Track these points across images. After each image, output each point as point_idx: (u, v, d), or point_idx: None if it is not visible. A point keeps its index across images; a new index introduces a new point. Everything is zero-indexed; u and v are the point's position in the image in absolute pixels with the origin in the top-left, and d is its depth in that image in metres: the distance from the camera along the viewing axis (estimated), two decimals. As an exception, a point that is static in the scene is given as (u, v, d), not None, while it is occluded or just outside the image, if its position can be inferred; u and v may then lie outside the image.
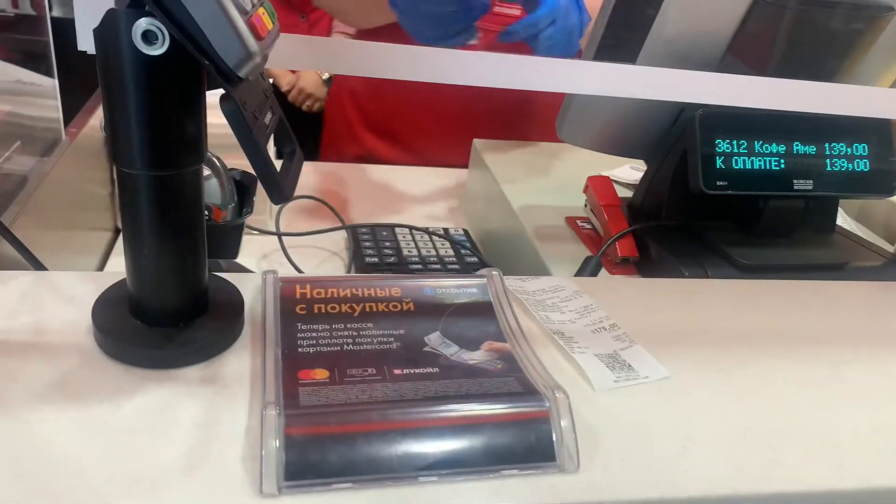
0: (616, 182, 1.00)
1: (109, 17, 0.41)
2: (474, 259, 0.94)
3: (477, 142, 1.11)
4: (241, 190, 0.69)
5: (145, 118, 0.43)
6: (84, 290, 0.54)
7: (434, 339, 0.53)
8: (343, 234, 0.97)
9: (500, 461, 0.44)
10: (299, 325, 0.52)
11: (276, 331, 0.51)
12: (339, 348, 0.51)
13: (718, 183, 0.71)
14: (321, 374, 0.48)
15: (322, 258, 0.95)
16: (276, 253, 0.91)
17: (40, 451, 0.41)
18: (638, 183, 0.89)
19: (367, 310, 0.55)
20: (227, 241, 0.66)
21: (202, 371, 0.49)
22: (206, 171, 0.66)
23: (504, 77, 0.58)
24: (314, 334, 0.52)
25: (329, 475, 0.42)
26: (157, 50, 0.41)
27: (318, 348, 0.50)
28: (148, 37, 0.40)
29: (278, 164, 0.48)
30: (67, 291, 0.56)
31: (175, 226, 0.47)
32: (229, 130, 0.42)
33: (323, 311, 0.54)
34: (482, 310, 0.57)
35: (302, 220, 1.00)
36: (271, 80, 1.97)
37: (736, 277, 0.72)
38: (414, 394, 0.46)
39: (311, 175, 1.18)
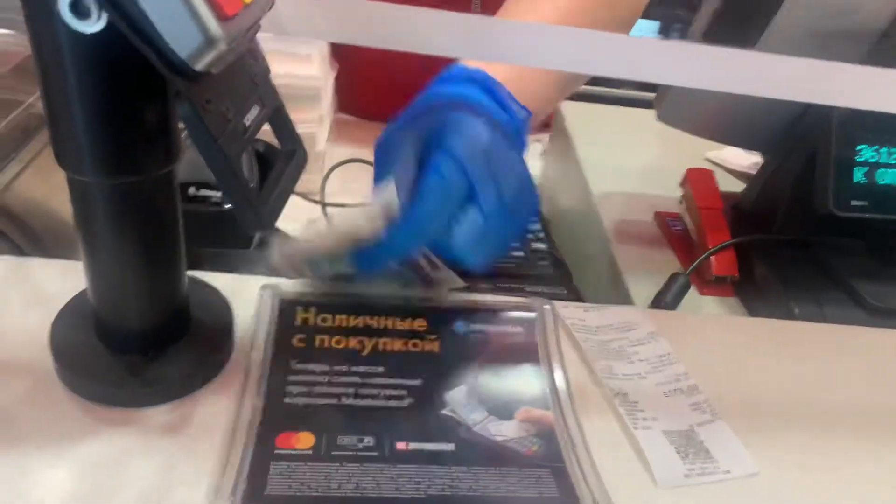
0: (722, 168, 0.84)
1: (31, -23, 0.30)
2: (541, 245, 0.82)
3: (563, 104, 0.96)
4: (264, 165, 0.59)
5: (92, 113, 0.33)
6: (62, 287, 0.46)
7: (456, 399, 0.42)
8: (398, 203, 0.86)
9: None
10: (293, 363, 0.42)
11: (261, 373, 0.41)
12: (336, 401, 0.41)
13: (854, 203, 0.55)
14: (305, 440, 0.38)
15: (371, 231, 0.85)
16: (321, 221, 0.82)
17: (-48, 517, 0.34)
18: (751, 176, 0.73)
19: (381, 348, 0.44)
20: (240, 230, 0.56)
21: (169, 415, 0.40)
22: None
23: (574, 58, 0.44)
24: (309, 378, 0.42)
25: None
26: (91, 26, 0.30)
27: (310, 399, 0.41)
28: (78, 9, 0.30)
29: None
30: (43, 287, 0.48)
31: (140, 243, 0.38)
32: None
33: (326, 345, 0.44)
34: (524, 356, 0.45)
35: (355, 184, 0.89)
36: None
37: (860, 321, 0.57)
38: (414, 489, 0.36)
39: (378, 130, 1.06)
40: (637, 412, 0.44)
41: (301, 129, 0.86)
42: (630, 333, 0.51)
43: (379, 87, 1.21)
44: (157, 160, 0.36)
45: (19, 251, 0.51)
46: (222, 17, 0.29)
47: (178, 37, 0.29)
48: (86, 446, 0.38)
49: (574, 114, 0.93)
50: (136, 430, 0.39)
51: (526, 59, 0.46)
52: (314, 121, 0.84)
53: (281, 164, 0.39)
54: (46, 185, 0.68)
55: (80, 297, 0.44)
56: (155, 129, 0.35)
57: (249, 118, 0.35)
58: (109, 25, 0.29)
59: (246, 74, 0.35)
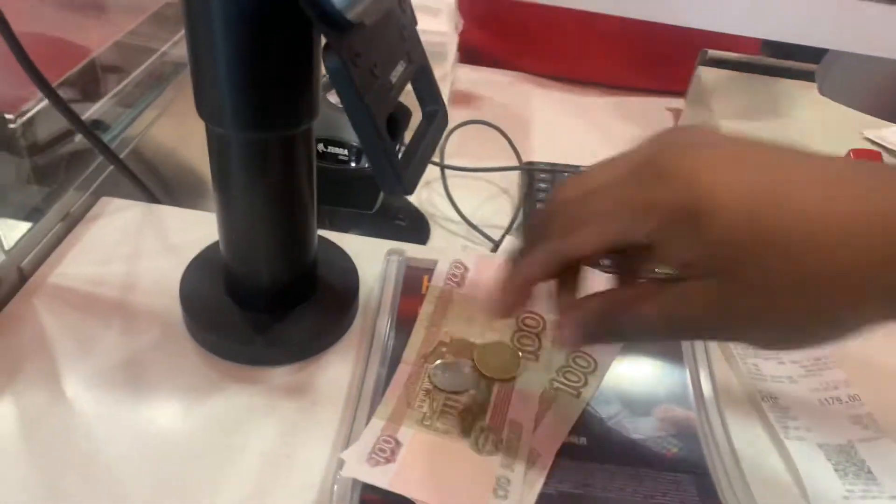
0: (883, 148, 0.76)
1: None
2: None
3: (703, 69, 0.89)
4: (393, 127, 0.57)
5: (237, 63, 0.31)
6: (192, 236, 0.46)
7: (590, 389, 0.39)
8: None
9: None
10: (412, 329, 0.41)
11: (384, 342, 0.40)
12: (461, 378, 0.39)
13: None
14: (430, 415, 0.36)
15: (488, 195, 0.82)
16: (438, 182, 0.79)
17: (86, 460, 0.34)
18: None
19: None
20: (364, 192, 0.55)
21: (293, 376, 0.40)
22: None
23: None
24: (434, 351, 0.40)
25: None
26: (242, -31, 0.28)
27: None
28: (231, -50, 0.28)
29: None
30: (175, 234, 0.48)
31: (275, 200, 0.36)
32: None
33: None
34: (666, 349, 0.42)
35: (475, 145, 0.86)
36: None
37: None
38: (544, 484, 0.33)
39: (499, 86, 1.02)
40: (788, 419, 0.40)
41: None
42: (780, 330, 0.46)
43: (506, 36, 1.17)
44: (298, 117, 0.34)
45: (152, 198, 0.51)
46: (381, -38, 0.27)
47: (333, -17, 0.26)
48: (210, 402, 0.38)
49: (715, 81, 0.85)
50: (260, 389, 0.39)
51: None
52: (439, 79, 0.81)
53: (423, 125, 0.37)
54: (178, 134, 0.69)
55: (211, 248, 0.44)
56: (298, 85, 0.33)
57: (395, 74, 0.32)
58: (261, -30, 0.28)
59: (395, 27, 0.33)
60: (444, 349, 0.39)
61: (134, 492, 0.33)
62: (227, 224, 0.38)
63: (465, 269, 0.44)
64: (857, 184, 0.25)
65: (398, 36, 0.33)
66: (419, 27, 0.79)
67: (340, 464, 0.33)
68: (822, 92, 0.62)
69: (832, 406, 0.41)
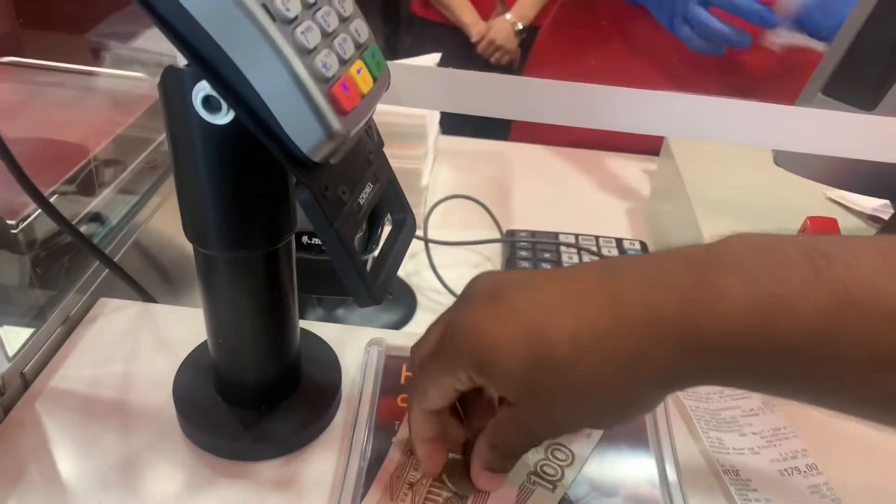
0: (845, 208, 0.79)
1: (170, 74, 0.32)
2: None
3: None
4: (373, 218, 0.60)
5: (219, 196, 0.35)
6: (187, 332, 0.49)
7: (559, 471, 0.41)
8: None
9: None
10: (397, 425, 0.43)
11: (365, 434, 0.42)
12: (438, 466, 0.41)
13: None
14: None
15: (472, 265, 0.85)
16: (423, 254, 0.83)
17: (86, 563, 0.37)
18: (878, 219, 0.68)
19: (484, 411, 0.44)
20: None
21: (279, 469, 0.42)
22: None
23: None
24: (413, 441, 0.42)
25: None
26: (221, 119, 0.32)
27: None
28: (210, 103, 0.31)
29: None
30: (170, 332, 0.51)
31: (258, 308, 0.40)
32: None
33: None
34: (631, 431, 0.44)
35: (456, 218, 0.90)
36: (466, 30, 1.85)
37: None
38: (515, 566, 0.36)
39: (480, 155, 1.07)
40: (749, 491, 0.42)
41: (406, 164, 0.88)
42: (742, 402, 0.49)
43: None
44: (279, 234, 0.37)
45: (148, 297, 0.55)
46: (341, 112, 0.30)
47: (300, 132, 0.30)
48: (203, 498, 0.40)
49: (683, 145, 0.90)
50: (250, 483, 0.41)
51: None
52: (419, 157, 0.85)
53: (392, 234, 0.40)
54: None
55: (202, 348, 0.47)
56: (275, 210, 0.36)
57: (363, 196, 0.36)
58: (237, 119, 0.31)
59: (362, 153, 0.36)
60: None
61: (131, 593, 0.35)
62: (214, 329, 0.41)
63: None
64: (599, 297, 0.31)
65: (365, 161, 0.37)
66: (399, 110, 0.83)
67: None
68: (777, 163, 0.65)
69: (791, 477, 0.44)
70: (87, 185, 0.69)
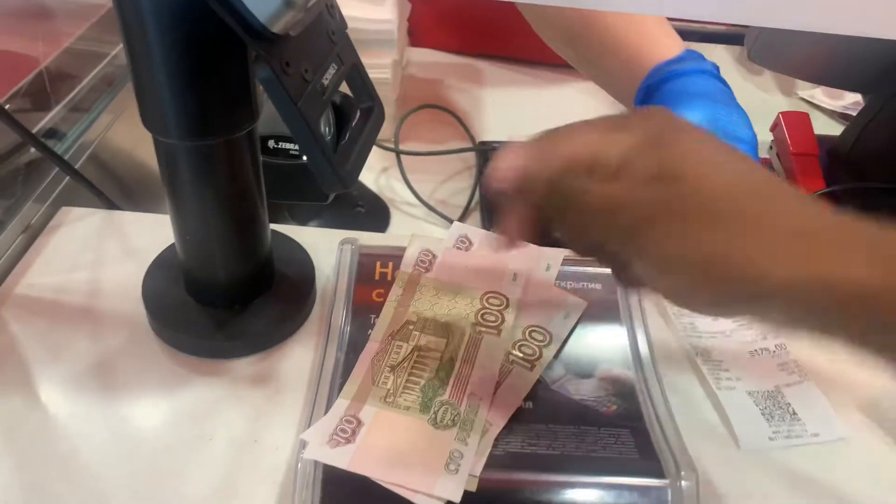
0: (815, 107, 0.79)
1: (114, -58, 0.30)
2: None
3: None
4: (341, 117, 0.58)
5: (175, 77, 0.33)
6: (152, 240, 0.48)
7: (535, 356, 0.42)
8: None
9: (591, 556, 0.34)
10: (372, 318, 0.43)
11: (341, 327, 0.42)
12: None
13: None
14: (385, 394, 0.39)
15: (445, 177, 0.84)
16: (396, 168, 0.81)
17: (63, 459, 0.36)
18: (846, 117, 0.68)
19: (459, 303, 0.44)
20: (317, 184, 0.57)
21: (255, 366, 0.42)
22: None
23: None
24: (388, 333, 0.42)
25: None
26: (172, -10, 0.30)
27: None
28: (159, -28, 0.30)
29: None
30: (135, 239, 0.50)
31: (223, 201, 0.39)
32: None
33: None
34: (605, 313, 0.45)
35: (427, 130, 0.88)
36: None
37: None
38: (493, 444, 0.36)
39: (451, 68, 1.04)
40: (720, 371, 0.43)
41: (373, 74, 0.86)
42: (714, 289, 0.49)
43: (454, 18, 1.18)
44: (239, 121, 0.36)
45: (111, 204, 0.53)
46: (300, -23, 0.28)
47: (257, 1, 0.28)
48: (179, 395, 0.40)
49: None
50: (225, 380, 0.41)
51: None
52: (387, 66, 0.83)
53: (360, 122, 0.39)
54: (135, 136, 0.70)
55: (169, 250, 0.46)
56: (236, 92, 0.35)
57: (328, 77, 0.34)
58: (189, -12, 0.29)
59: (324, 33, 0.35)
60: (410, 327, 0.42)
61: (111, 485, 0.35)
62: (181, 226, 0.40)
63: (434, 256, 0.46)
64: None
65: (327, 41, 0.35)
66: (363, 16, 0.80)
67: (303, 444, 0.35)
68: (751, 58, 0.64)
69: (761, 356, 0.45)
70: (39, 98, 0.66)
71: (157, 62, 0.33)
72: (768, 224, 0.27)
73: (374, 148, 0.81)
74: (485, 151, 0.83)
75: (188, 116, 0.34)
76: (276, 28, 0.29)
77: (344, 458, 0.34)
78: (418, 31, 1.02)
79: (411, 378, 0.39)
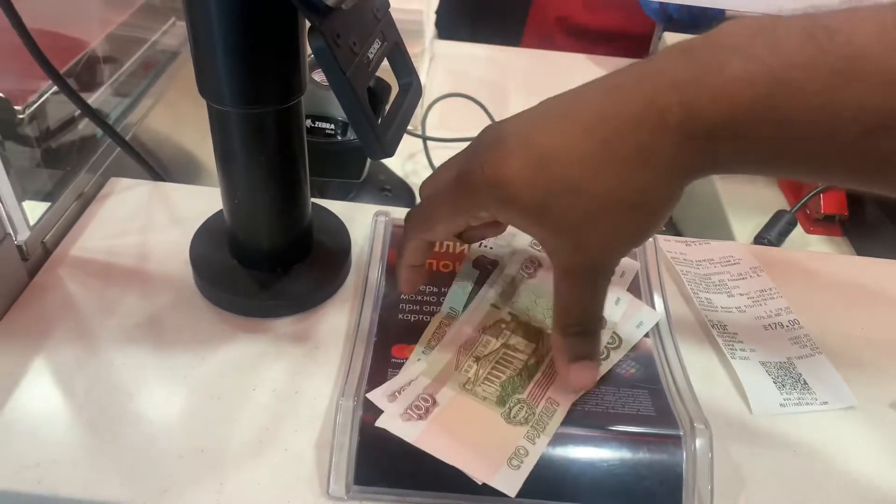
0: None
1: (182, -79, 0.33)
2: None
3: (668, 35, 0.94)
4: (374, 100, 0.61)
5: (232, 48, 0.36)
6: (195, 209, 0.51)
7: (558, 322, 0.44)
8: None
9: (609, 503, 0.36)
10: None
11: (376, 290, 0.45)
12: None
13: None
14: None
15: (470, 164, 0.87)
16: (422, 154, 0.84)
17: (119, 403, 0.39)
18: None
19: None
20: (351, 163, 0.59)
21: (296, 325, 0.45)
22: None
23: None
24: (419, 298, 0.45)
25: (406, 486, 0.36)
26: (235, -35, 0.33)
27: (421, 316, 0.44)
28: (224, -52, 0.32)
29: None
30: (180, 208, 0.53)
31: (271, 168, 0.41)
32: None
33: (434, 268, 0.47)
34: (627, 286, 0.47)
35: (453, 119, 0.91)
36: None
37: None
38: (517, 399, 0.39)
39: (478, 59, 1.06)
40: (735, 343, 0.45)
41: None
42: (731, 268, 0.51)
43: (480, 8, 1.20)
44: (288, 92, 0.39)
45: (157, 177, 0.56)
46: (354, -45, 0.31)
47: (314, -26, 0.31)
48: (224, 350, 0.43)
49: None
50: (268, 337, 0.44)
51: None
52: (416, 55, 0.86)
53: (399, 96, 0.41)
54: (173, 120, 0.73)
55: (215, 217, 0.49)
56: (287, 63, 0.38)
57: (372, 52, 0.37)
58: (250, -36, 0.32)
59: (369, 9, 0.37)
60: (503, 325, 0.43)
61: (163, 426, 0.38)
62: (229, 192, 0.43)
63: (540, 264, 0.46)
64: (600, 106, 0.32)
65: (372, 17, 0.38)
66: (393, 6, 0.83)
67: (366, 403, 0.37)
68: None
69: (775, 330, 0.47)
70: (87, 79, 0.69)
71: (215, 32, 0.35)
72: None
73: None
74: (509, 139, 0.85)
75: (242, 85, 0.37)
76: (331, 1, 0.32)
77: (413, 433, 0.36)
78: (446, 22, 1.05)
79: (494, 371, 0.40)
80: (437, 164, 0.81)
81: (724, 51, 0.28)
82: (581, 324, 0.36)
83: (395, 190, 0.82)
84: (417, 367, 0.40)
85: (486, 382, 0.39)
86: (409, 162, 0.86)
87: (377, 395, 0.38)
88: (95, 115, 0.50)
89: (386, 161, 0.85)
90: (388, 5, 0.40)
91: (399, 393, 0.38)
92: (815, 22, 0.27)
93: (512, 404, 0.38)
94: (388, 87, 0.61)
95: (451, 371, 0.40)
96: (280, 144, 0.41)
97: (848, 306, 0.50)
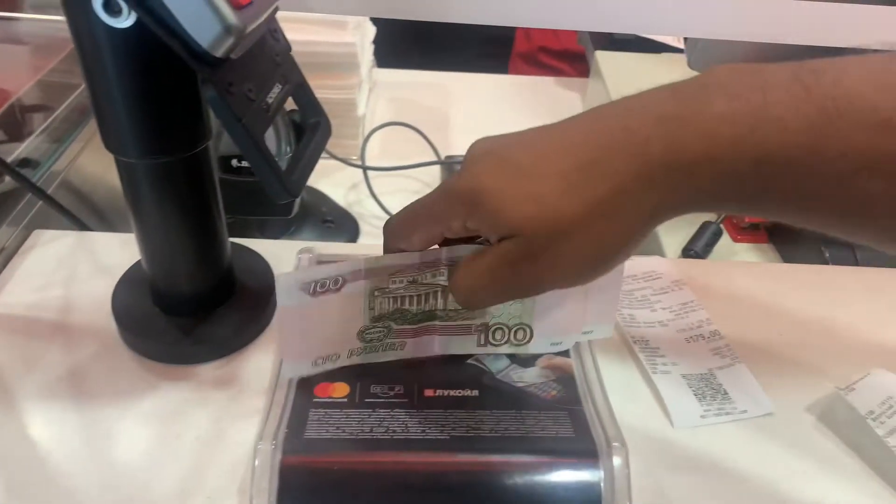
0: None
1: (68, -20, 0.33)
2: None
3: (599, 54, 0.96)
4: (301, 135, 0.62)
5: (132, 102, 0.36)
6: (121, 257, 0.51)
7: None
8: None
9: (530, 528, 0.37)
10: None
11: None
12: (369, 354, 0.44)
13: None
14: (341, 389, 0.41)
15: (413, 191, 0.87)
16: (363, 184, 0.85)
17: (38, 460, 0.39)
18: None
19: (411, 303, 0.47)
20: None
21: (220, 370, 0.44)
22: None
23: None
24: (344, 334, 0.45)
25: (329, 525, 0.36)
26: (123, 22, 0.33)
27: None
28: (111, 6, 0.33)
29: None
30: (106, 257, 0.53)
31: (184, 214, 0.41)
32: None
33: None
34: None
35: (394, 147, 0.91)
36: None
37: (894, 264, 0.57)
38: (440, 430, 0.39)
39: (418, 86, 1.08)
40: (657, 358, 0.46)
41: (340, 94, 0.89)
42: (654, 282, 0.52)
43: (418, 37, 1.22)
44: (193, 140, 0.39)
45: (83, 226, 0.56)
46: (237, 6, 0.32)
47: (199, 28, 0.31)
48: (147, 399, 0.42)
49: (609, 62, 0.92)
50: (191, 384, 0.43)
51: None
52: (353, 86, 0.86)
53: (307, 135, 0.42)
54: (105, 163, 0.73)
55: (137, 266, 0.49)
56: (188, 112, 0.38)
57: (272, 96, 0.38)
58: (139, 20, 0.32)
59: (267, 54, 0.38)
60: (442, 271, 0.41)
61: (85, 483, 0.38)
62: (144, 242, 0.43)
63: None
64: (585, 133, 0.31)
65: (272, 62, 0.38)
66: (325, 40, 0.83)
67: (266, 437, 0.37)
68: (690, 65, 0.68)
69: (696, 343, 0.48)
70: (12, 129, 0.69)
71: (114, 87, 0.36)
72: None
73: (342, 164, 0.84)
74: (450, 165, 0.87)
75: (145, 137, 0.37)
76: (218, 52, 0.32)
77: (297, 301, 0.37)
78: (384, 52, 1.06)
79: (404, 296, 0.40)
80: (379, 192, 0.81)
81: (709, 89, 0.28)
82: (469, 302, 0.37)
83: (337, 221, 0.82)
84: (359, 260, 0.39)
85: (387, 296, 0.40)
86: (352, 192, 0.87)
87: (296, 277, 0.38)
88: (13, 170, 0.50)
89: (328, 192, 0.85)
90: (290, 48, 0.40)
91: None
92: (801, 66, 0.27)
93: (379, 326, 0.40)
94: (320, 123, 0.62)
95: (384, 276, 0.39)
96: (191, 191, 0.41)
97: (767, 313, 0.51)
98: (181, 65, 0.35)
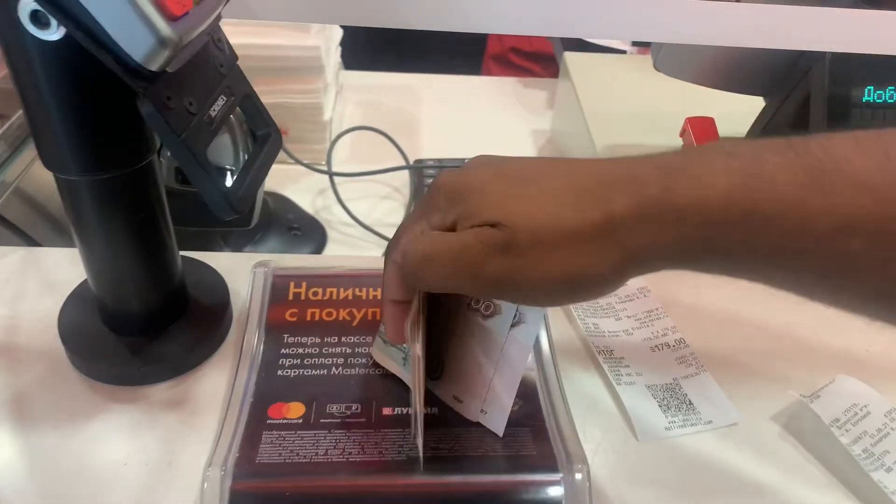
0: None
1: (-7, -9, 0.31)
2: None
3: (568, 55, 0.95)
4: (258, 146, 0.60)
5: (67, 116, 0.35)
6: (70, 274, 0.49)
7: (441, 364, 0.43)
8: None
9: (490, 550, 0.36)
10: (286, 337, 0.44)
11: (253, 348, 0.44)
12: (325, 371, 0.43)
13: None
14: (296, 410, 0.40)
15: (381, 197, 0.86)
16: (331, 190, 0.83)
17: (-22, 492, 0.37)
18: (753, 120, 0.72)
19: (370, 318, 0.46)
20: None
21: (171, 390, 0.43)
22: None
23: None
24: (301, 350, 0.44)
25: (281, 553, 0.35)
26: (52, 34, 0.31)
27: (302, 370, 0.43)
28: (39, 18, 0.31)
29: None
30: (55, 274, 0.51)
31: (129, 230, 0.40)
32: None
33: (317, 317, 0.46)
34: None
35: (362, 152, 0.90)
36: None
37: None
38: (398, 450, 0.38)
39: (387, 88, 1.06)
40: (621, 368, 0.45)
41: (306, 99, 0.87)
42: (619, 290, 0.51)
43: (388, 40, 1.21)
44: (135, 155, 0.38)
45: (31, 241, 0.54)
46: (171, 18, 0.30)
47: (131, 41, 0.30)
48: (95, 423, 0.41)
49: (577, 63, 0.92)
50: (141, 406, 0.42)
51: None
52: (318, 90, 0.85)
53: (255, 148, 0.40)
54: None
55: (85, 283, 0.47)
56: (130, 126, 0.36)
57: (216, 109, 0.36)
58: (69, 33, 0.31)
59: (210, 66, 0.36)
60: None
61: (25, 514, 0.36)
62: (89, 260, 0.41)
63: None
64: (588, 167, 0.32)
65: (215, 73, 0.37)
66: (289, 44, 0.82)
67: (216, 463, 0.36)
68: (656, 67, 0.68)
69: (662, 351, 0.47)
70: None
71: (48, 102, 0.34)
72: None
73: (309, 171, 0.83)
74: (419, 169, 0.85)
75: (85, 152, 0.36)
76: (153, 66, 0.31)
77: None
78: (352, 54, 1.04)
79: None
80: (347, 199, 0.80)
81: (713, 151, 0.30)
82: (414, 267, 0.34)
83: (304, 228, 0.81)
84: None
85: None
86: (319, 198, 0.85)
87: None
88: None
89: (294, 198, 0.84)
90: (236, 59, 0.39)
91: None
92: (794, 138, 0.29)
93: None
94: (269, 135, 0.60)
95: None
96: (137, 206, 0.39)
97: (733, 320, 0.50)
98: (117, 79, 0.33)
